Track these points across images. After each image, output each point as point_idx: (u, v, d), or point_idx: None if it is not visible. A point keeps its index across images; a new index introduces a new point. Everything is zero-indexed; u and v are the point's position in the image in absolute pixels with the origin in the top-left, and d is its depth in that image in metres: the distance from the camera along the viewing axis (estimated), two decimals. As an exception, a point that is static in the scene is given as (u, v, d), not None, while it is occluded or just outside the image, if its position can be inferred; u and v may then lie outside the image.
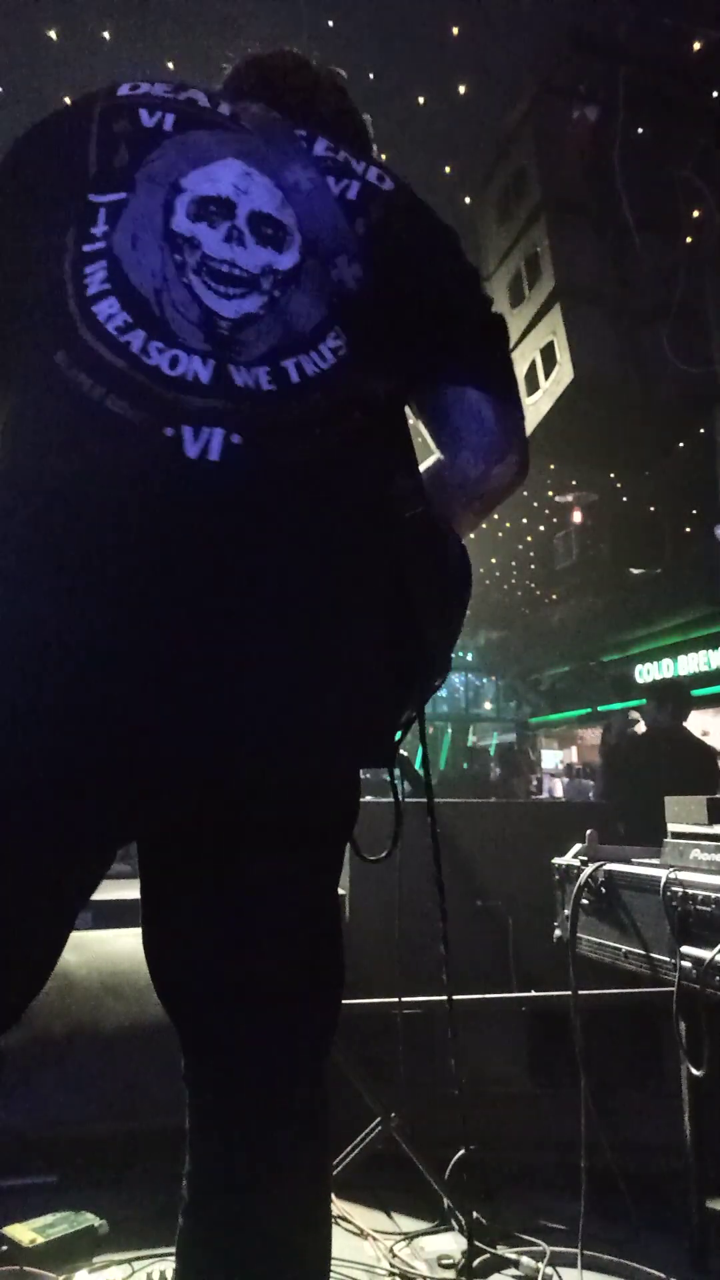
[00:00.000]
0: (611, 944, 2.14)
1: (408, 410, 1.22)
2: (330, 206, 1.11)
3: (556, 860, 2.39)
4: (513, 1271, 1.96)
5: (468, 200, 5.22)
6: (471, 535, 1.32)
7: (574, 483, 9.96)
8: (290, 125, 1.18)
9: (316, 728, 0.97)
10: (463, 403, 1.19)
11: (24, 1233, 1.97)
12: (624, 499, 10.31)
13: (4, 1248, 1.94)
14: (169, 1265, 1.81)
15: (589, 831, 2.34)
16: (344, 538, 1.02)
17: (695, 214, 4.66)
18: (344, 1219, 2.17)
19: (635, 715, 7.79)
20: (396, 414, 1.16)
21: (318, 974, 1.08)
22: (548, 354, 4.47)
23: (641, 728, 6.38)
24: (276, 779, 0.97)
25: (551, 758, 16.42)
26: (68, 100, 1.29)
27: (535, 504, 10.74)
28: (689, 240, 4.66)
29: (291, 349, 1.03)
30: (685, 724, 5.05)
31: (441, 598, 1.12)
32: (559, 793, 12.64)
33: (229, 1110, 1.01)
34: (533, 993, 2.54)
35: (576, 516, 11.19)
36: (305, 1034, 1.06)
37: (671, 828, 2.19)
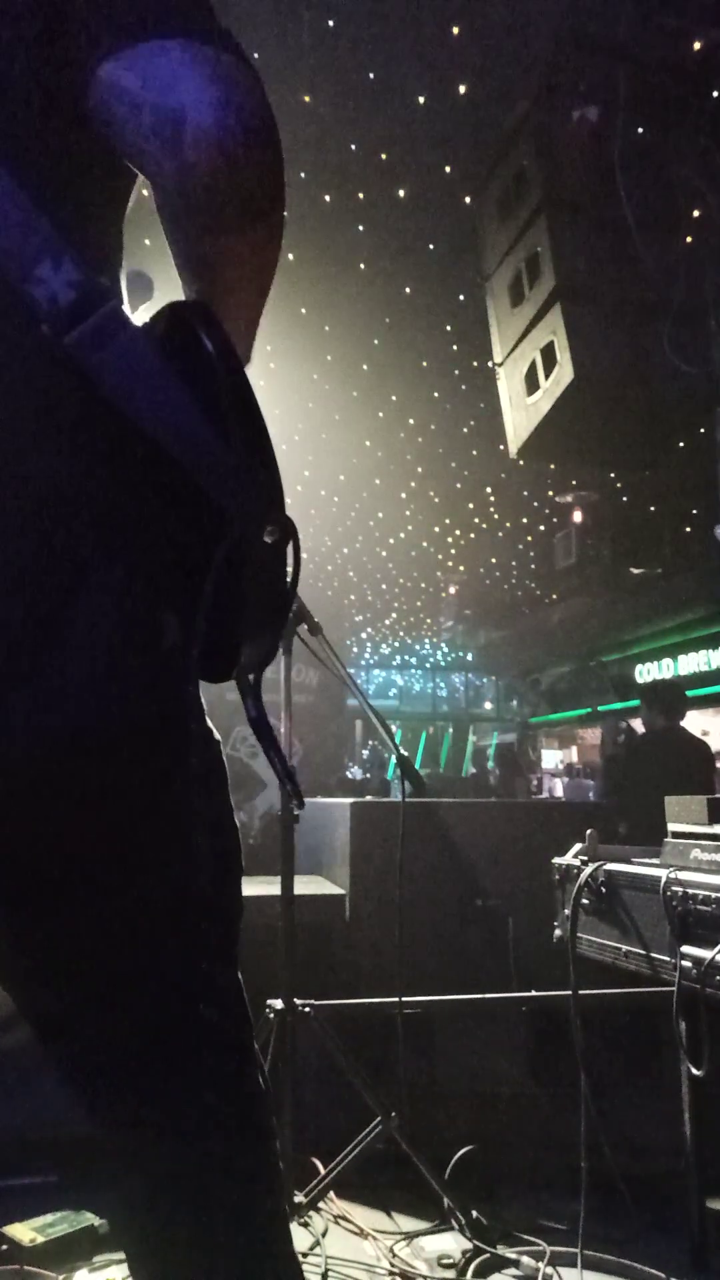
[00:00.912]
0: (611, 944, 2.14)
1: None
2: None
3: (556, 860, 2.39)
4: (513, 1271, 1.96)
5: (468, 200, 5.22)
6: (257, 293, 0.85)
7: (574, 483, 9.94)
8: None
9: None
10: (101, 90, 0.75)
11: (24, 1232, 1.97)
12: (624, 499, 10.30)
13: (4, 1247, 1.95)
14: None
15: (589, 831, 2.34)
16: None
17: (695, 214, 4.66)
18: (344, 1219, 2.17)
19: (625, 725, 7.82)
20: (27, 180, 0.72)
21: (148, 1032, 0.84)
22: (548, 354, 4.47)
23: (639, 728, 6.38)
24: None
25: (551, 758, 16.43)
26: None
27: (535, 504, 10.73)
28: (689, 240, 4.66)
29: None
30: (683, 724, 5.05)
31: (200, 418, 0.70)
32: (559, 793, 12.65)
33: (133, 1192, 0.89)
34: (533, 993, 2.54)
35: (576, 516, 11.17)
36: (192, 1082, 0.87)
37: (671, 828, 2.19)
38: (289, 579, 0.77)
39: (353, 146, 4.80)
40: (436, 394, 7.31)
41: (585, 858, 2.26)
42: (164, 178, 0.73)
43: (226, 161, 0.72)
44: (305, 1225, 2.15)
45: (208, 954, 0.87)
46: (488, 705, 19.84)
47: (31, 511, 0.71)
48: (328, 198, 4.99)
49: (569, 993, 2.09)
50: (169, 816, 0.82)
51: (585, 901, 2.19)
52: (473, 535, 11.31)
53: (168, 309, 0.77)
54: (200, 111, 0.71)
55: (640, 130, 4.53)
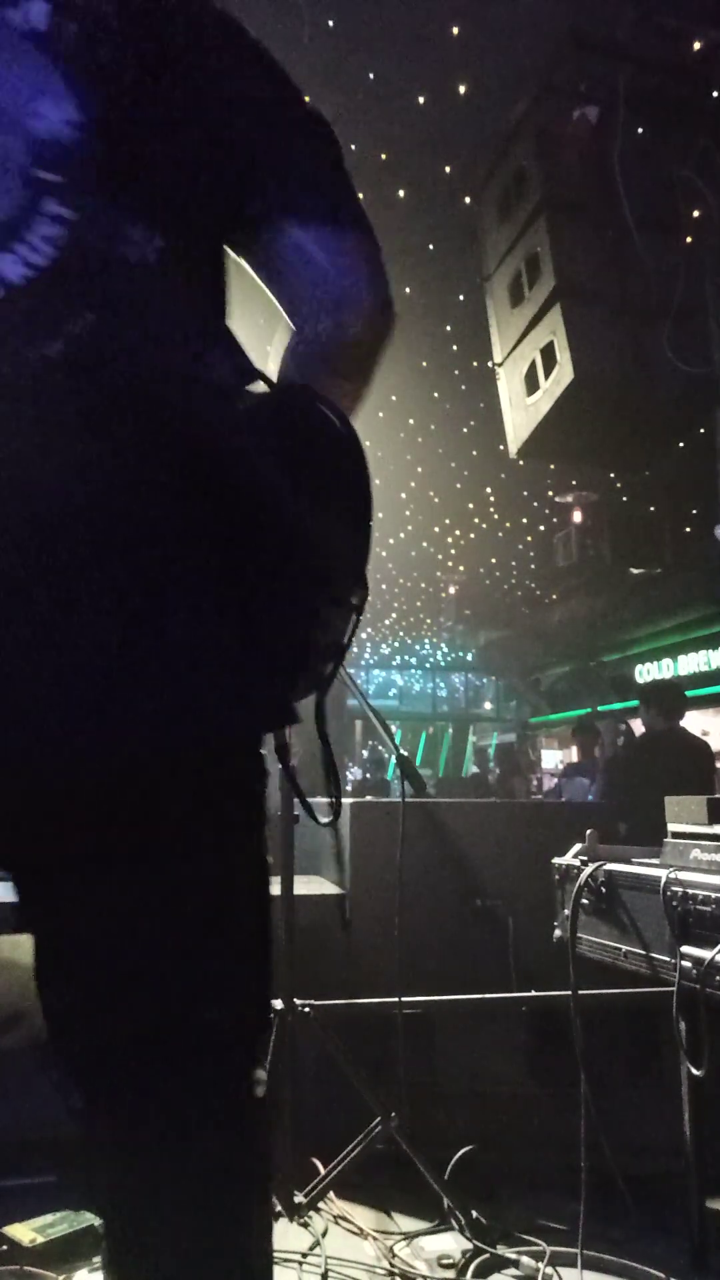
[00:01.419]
0: (611, 944, 2.14)
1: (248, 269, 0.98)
2: (10, 44, 0.85)
3: (556, 860, 2.39)
4: (513, 1271, 1.96)
5: (468, 200, 5.22)
6: (355, 410, 1.04)
7: (574, 483, 9.95)
8: None
9: (74, 715, 0.76)
10: (283, 245, 0.94)
11: (24, 1233, 1.97)
12: (624, 499, 10.31)
13: (4, 1248, 1.95)
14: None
15: (589, 831, 2.34)
16: (106, 463, 0.80)
17: (695, 214, 4.66)
18: (344, 1219, 2.17)
19: (624, 727, 7.83)
20: (193, 276, 0.89)
21: (221, 1010, 0.89)
22: (548, 354, 4.47)
23: (639, 729, 6.38)
24: (51, 786, 0.78)
25: (551, 758, 16.42)
26: None
27: (535, 504, 10.74)
28: (689, 240, 4.67)
29: None
30: (682, 723, 5.05)
31: (319, 497, 0.84)
32: (555, 786, 12.65)
33: (136, 1162, 0.89)
34: (533, 993, 2.54)
35: (576, 516, 11.18)
36: (211, 1075, 0.88)
37: (671, 828, 2.19)
38: (349, 635, 0.88)
39: (353, 146, 4.80)
40: (436, 394, 7.32)
41: (585, 858, 2.26)
42: (319, 332, 0.95)
43: (374, 338, 0.97)
44: (305, 1225, 2.15)
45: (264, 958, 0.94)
46: (488, 705, 19.85)
47: (193, 555, 0.82)
48: (328, 198, 4.98)
49: (569, 993, 2.09)
50: (256, 808, 0.92)
51: (585, 901, 2.19)
52: (473, 535, 11.31)
53: (284, 388, 0.92)
54: (371, 299, 0.95)
55: (640, 130, 4.54)
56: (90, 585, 0.77)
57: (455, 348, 6.67)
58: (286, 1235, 2.09)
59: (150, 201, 0.86)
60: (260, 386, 0.87)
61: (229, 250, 0.98)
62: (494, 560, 12.64)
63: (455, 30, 4.37)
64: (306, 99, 0.99)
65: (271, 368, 1.00)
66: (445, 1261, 2.01)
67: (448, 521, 10.74)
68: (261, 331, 1.02)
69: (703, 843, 2.04)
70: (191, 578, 0.80)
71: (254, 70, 0.96)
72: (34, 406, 0.80)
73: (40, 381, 0.80)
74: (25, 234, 0.81)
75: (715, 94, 4.61)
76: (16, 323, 0.80)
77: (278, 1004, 2.23)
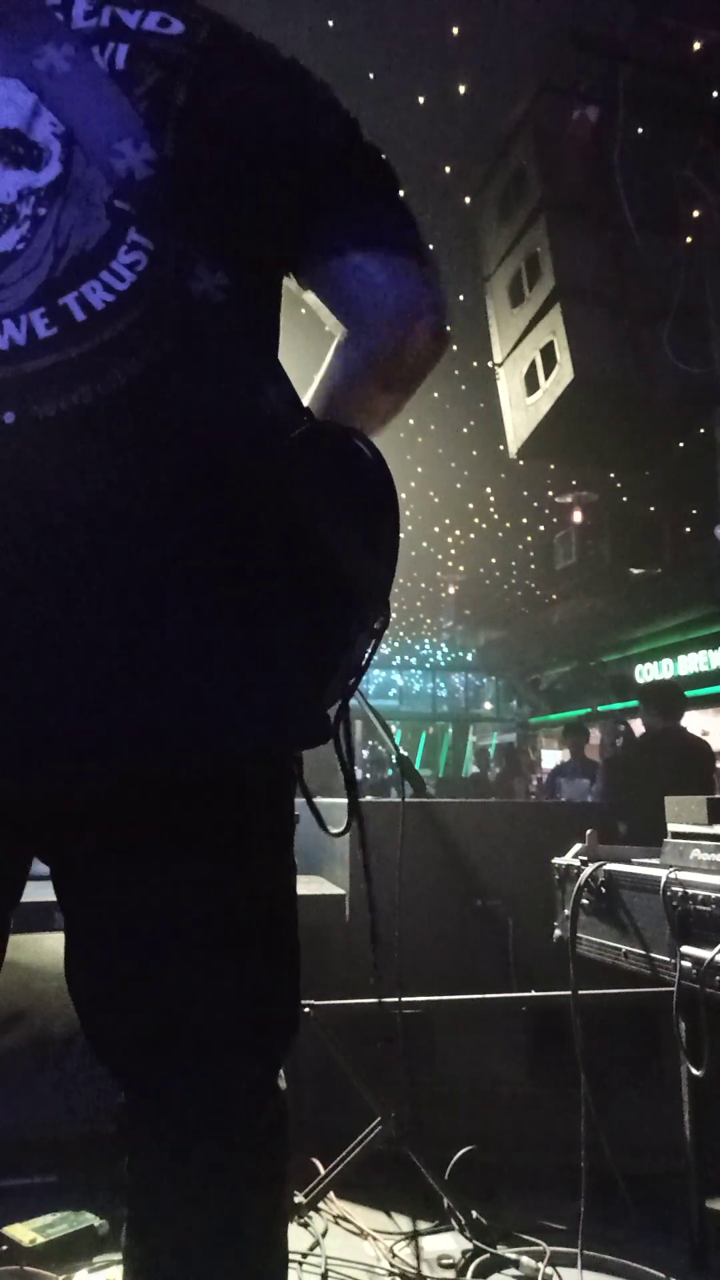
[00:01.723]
0: (611, 944, 2.14)
1: (308, 297, 1.04)
2: (96, 85, 0.90)
3: (556, 860, 2.39)
4: (513, 1271, 1.96)
5: (468, 200, 5.22)
6: (384, 426, 1.11)
7: (574, 483, 9.95)
8: None
9: (152, 717, 0.82)
10: (346, 269, 0.99)
11: (24, 1233, 1.97)
12: (624, 499, 10.31)
13: (4, 1248, 1.95)
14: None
15: (589, 831, 2.34)
16: (175, 486, 0.85)
17: (695, 214, 4.66)
18: (344, 1219, 2.17)
19: (623, 727, 7.83)
20: (250, 313, 0.94)
21: (250, 1008, 0.93)
22: (548, 354, 4.47)
23: (638, 729, 6.38)
24: (112, 782, 0.83)
25: (551, 758, 16.42)
26: None
27: (535, 504, 10.73)
28: (689, 240, 4.67)
29: (72, 280, 0.86)
30: (682, 723, 5.05)
31: (356, 524, 0.90)
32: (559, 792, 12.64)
33: (161, 1156, 0.92)
34: (533, 993, 2.54)
35: (576, 516, 11.18)
36: (236, 1074, 0.93)
37: (671, 828, 2.19)
38: (366, 658, 0.94)
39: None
40: (436, 394, 7.31)
41: (585, 858, 2.26)
42: (381, 349, 1.00)
43: (433, 353, 1.02)
44: (305, 1225, 2.15)
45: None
46: (488, 705, 19.84)
47: (245, 578, 0.87)
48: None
49: (569, 993, 2.09)
50: (289, 813, 1.01)
51: (585, 901, 2.19)
52: (473, 535, 11.31)
53: (323, 425, 0.96)
54: (431, 316, 1.01)
55: (640, 130, 4.54)
56: (157, 604, 0.83)
57: (455, 348, 6.66)
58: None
59: (219, 240, 0.90)
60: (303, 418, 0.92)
61: (291, 279, 1.04)
62: (494, 560, 12.64)
63: (455, 30, 4.37)
64: (364, 133, 1.04)
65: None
66: (445, 1261, 2.01)
67: (448, 521, 10.74)
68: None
69: (703, 843, 2.04)
70: (247, 604, 0.86)
71: (317, 110, 1.01)
72: (109, 426, 0.85)
73: (118, 402, 0.85)
74: (110, 261, 0.87)
75: (715, 94, 4.61)
76: (98, 347, 0.85)
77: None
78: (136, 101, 0.90)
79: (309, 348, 1.05)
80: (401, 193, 1.06)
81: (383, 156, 1.05)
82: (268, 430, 0.88)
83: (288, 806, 1.00)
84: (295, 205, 0.97)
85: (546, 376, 4.51)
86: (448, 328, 1.03)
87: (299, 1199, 2.18)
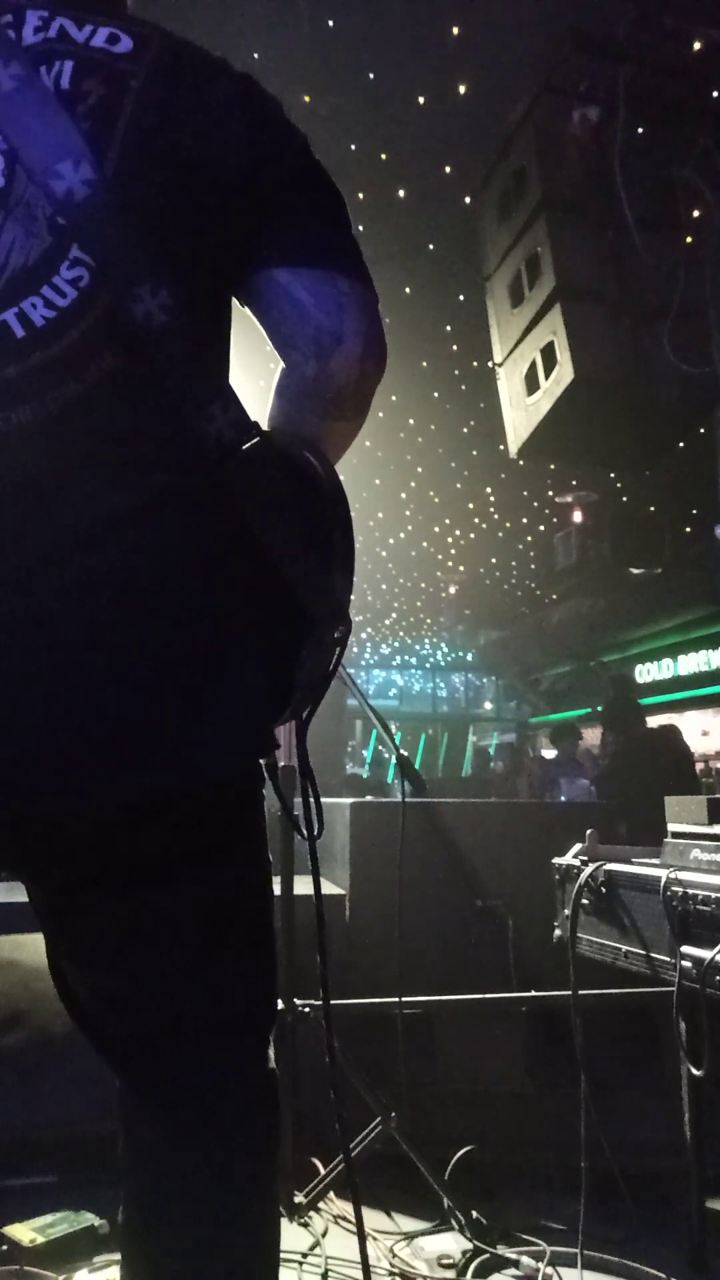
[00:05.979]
0: (611, 944, 2.14)
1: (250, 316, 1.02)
2: (40, 104, 0.89)
3: (556, 860, 2.39)
4: (513, 1271, 1.96)
5: (468, 200, 5.21)
6: (347, 445, 1.09)
7: (574, 483, 9.95)
8: None
9: (99, 746, 0.84)
10: (273, 289, 0.97)
11: (24, 1233, 1.97)
12: (624, 499, 10.31)
13: (4, 1248, 1.95)
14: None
15: (589, 831, 2.34)
16: (115, 509, 0.86)
17: (695, 214, 4.66)
18: (344, 1219, 2.17)
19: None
20: (195, 333, 0.91)
21: (240, 997, 0.97)
22: (548, 354, 4.47)
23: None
24: (65, 808, 0.86)
25: (552, 758, 16.42)
26: None
27: (535, 504, 10.73)
28: (689, 240, 4.66)
29: (13, 295, 0.87)
30: (657, 727, 5.21)
31: (306, 538, 0.89)
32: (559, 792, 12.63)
33: (155, 1147, 0.96)
34: (533, 993, 2.54)
35: (576, 516, 11.17)
36: (233, 1047, 0.97)
37: (671, 828, 2.19)
38: (333, 666, 0.95)
39: (352, 146, 4.80)
40: (436, 394, 7.32)
41: (585, 858, 2.26)
42: (304, 373, 0.97)
43: (359, 380, 0.97)
44: (305, 1225, 2.15)
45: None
46: (488, 705, 19.84)
47: (198, 601, 0.90)
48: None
49: (569, 993, 2.09)
50: (261, 820, 1.03)
51: (585, 901, 2.19)
52: (473, 535, 11.31)
53: (279, 435, 0.95)
54: (354, 341, 0.96)
55: (640, 130, 4.53)
56: (99, 635, 0.85)
57: (455, 348, 6.67)
58: (286, 1235, 2.09)
59: (161, 260, 0.89)
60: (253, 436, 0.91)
61: (236, 298, 1.02)
62: (494, 560, 12.64)
63: (455, 30, 4.37)
64: (311, 151, 1.02)
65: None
66: (445, 1261, 2.01)
67: (448, 521, 10.74)
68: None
69: (703, 843, 2.04)
70: (194, 630, 0.89)
71: (260, 126, 0.98)
72: (52, 445, 0.86)
73: (59, 420, 0.86)
74: (52, 277, 0.87)
75: (715, 94, 4.61)
76: (39, 364, 0.86)
77: (278, 1004, 2.23)
78: (80, 120, 0.89)
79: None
80: (344, 214, 1.03)
81: (327, 177, 1.02)
82: (214, 451, 0.87)
83: (252, 814, 1.01)
84: (237, 226, 0.96)
85: (547, 376, 4.51)
86: (375, 351, 0.98)
87: (299, 1199, 2.18)
